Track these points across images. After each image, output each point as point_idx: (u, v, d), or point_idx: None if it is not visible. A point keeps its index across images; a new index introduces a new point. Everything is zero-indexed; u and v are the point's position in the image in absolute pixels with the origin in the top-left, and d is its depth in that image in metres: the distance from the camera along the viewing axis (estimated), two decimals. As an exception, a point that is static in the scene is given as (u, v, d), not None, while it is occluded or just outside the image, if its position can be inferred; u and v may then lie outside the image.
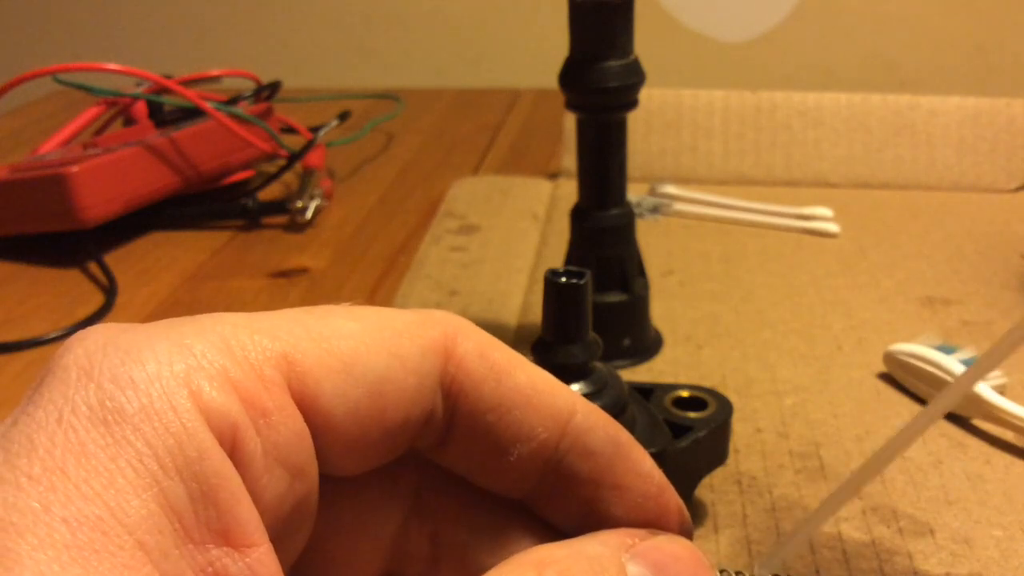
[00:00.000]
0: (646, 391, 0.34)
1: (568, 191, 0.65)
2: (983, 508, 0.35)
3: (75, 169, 0.56)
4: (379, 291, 0.55)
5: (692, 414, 0.33)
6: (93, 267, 0.58)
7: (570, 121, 0.63)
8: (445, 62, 1.11)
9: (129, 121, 0.72)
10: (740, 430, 0.39)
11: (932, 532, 0.33)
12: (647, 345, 0.46)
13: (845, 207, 0.62)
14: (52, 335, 0.50)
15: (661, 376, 0.44)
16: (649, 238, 0.59)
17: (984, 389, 0.38)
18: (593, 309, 0.30)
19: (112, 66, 0.63)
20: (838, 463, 0.37)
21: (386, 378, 0.17)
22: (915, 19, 1.02)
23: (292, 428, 0.16)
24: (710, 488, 0.36)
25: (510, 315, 0.50)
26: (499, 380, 0.18)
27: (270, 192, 0.68)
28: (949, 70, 1.03)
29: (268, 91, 0.74)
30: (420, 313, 0.18)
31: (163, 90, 0.67)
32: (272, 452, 0.16)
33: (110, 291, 0.55)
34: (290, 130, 0.74)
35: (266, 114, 0.71)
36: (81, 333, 0.16)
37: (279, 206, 0.64)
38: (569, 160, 0.69)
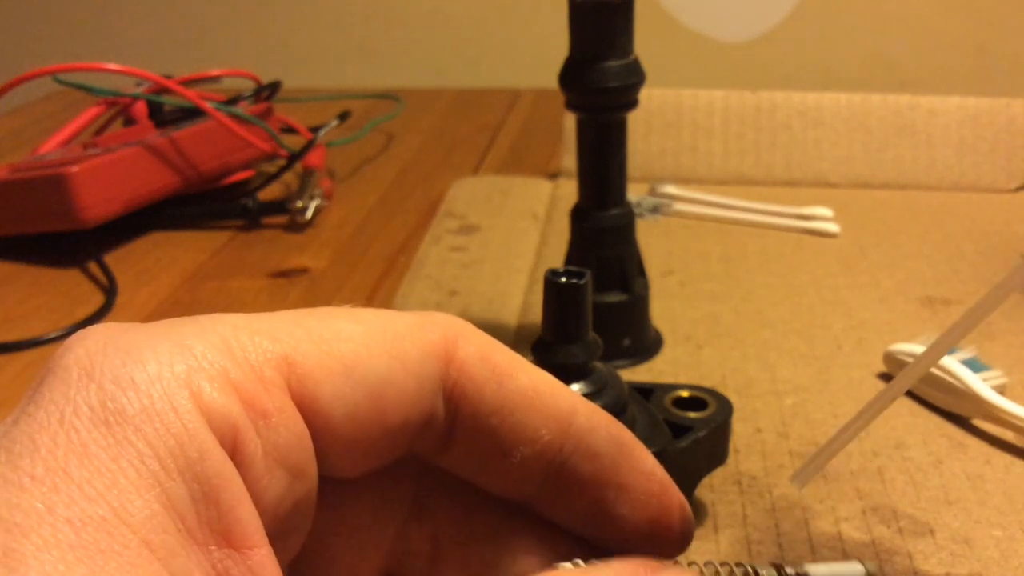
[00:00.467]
0: (646, 391, 0.34)
1: (568, 191, 0.65)
2: (983, 508, 0.35)
3: (75, 169, 0.56)
4: (379, 291, 0.55)
5: (692, 414, 0.33)
6: (93, 267, 0.58)
7: (570, 121, 0.63)
8: (445, 62, 1.11)
9: (129, 121, 0.72)
10: (740, 430, 0.39)
11: (932, 532, 0.33)
12: (647, 345, 0.46)
13: (845, 207, 0.62)
14: (52, 335, 0.50)
15: (661, 376, 0.44)
16: (649, 238, 0.59)
17: (984, 389, 0.38)
18: (593, 309, 0.30)
19: (112, 66, 0.63)
20: (838, 463, 0.37)
21: (386, 380, 0.17)
22: (915, 19, 1.02)
23: (292, 429, 0.16)
24: (710, 488, 0.36)
25: (510, 315, 0.50)
26: (501, 383, 0.18)
27: (270, 192, 0.68)
28: (949, 70, 1.03)
29: (268, 91, 0.74)
30: (421, 316, 0.18)
31: (163, 90, 0.67)
32: (272, 453, 0.16)
33: (110, 291, 0.55)
34: (290, 130, 0.74)
35: (266, 114, 0.71)
36: (81, 333, 0.16)
37: (279, 206, 0.64)
38: (569, 160, 0.69)
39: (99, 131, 0.71)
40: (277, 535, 0.16)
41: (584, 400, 0.19)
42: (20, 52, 1.16)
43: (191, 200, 0.65)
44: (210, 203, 0.65)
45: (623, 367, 0.44)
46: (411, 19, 1.11)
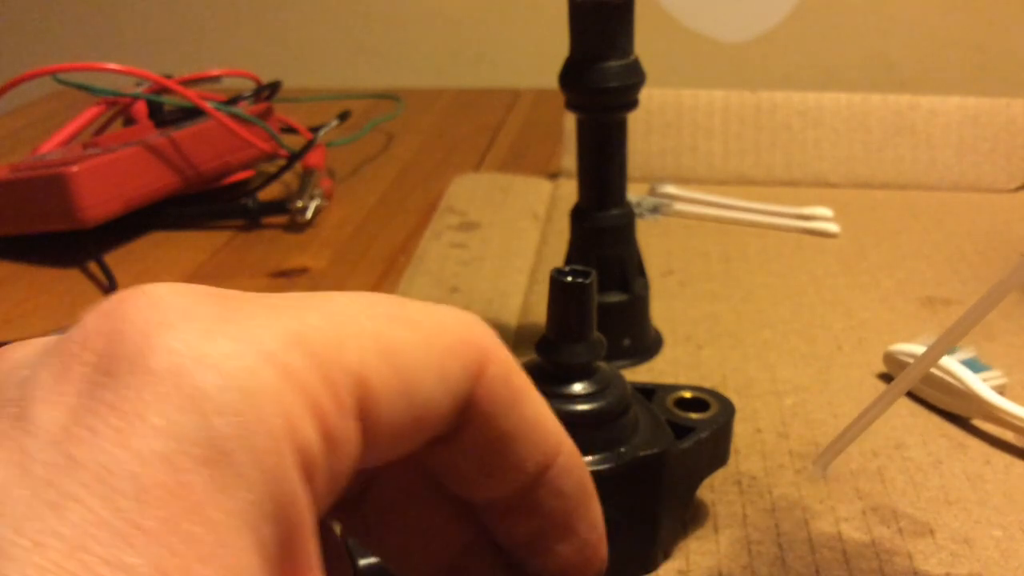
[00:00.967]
0: (648, 391, 0.34)
1: (568, 191, 0.65)
2: (983, 508, 0.35)
3: (75, 169, 0.56)
4: (379, 291, 0.55)
5: (694, 415, 0.33)
6: (93, 267, 0.58)
7: (570, 121, 0.63)
8: (445, 62, 1.11)
9: (129, 121, 0.72)
10: (740, 430, 0.39)
11: (932, 532, 0.33)
12: (647, 345, 0.46)
13: (845, 207, 0.62)
14: (52, 335, 0.50)
15: (661, 376, 0.44)
16: (649, 238, 0.59)
17: (984, 389, 0.38)
18: (593, 309, 0.30)
19: (112, 66, 0.63)
20: (838, 463, 0.37)
21: (431, 400, 0.17)
22: (915, 19, 1.02)
23: (351, 455, 0.15)
24: (710, 488, 0.36)
25: (510, 315, 0.50)
26: (512, 409, 0.18)
27: (270, 192, 0.68)
28: (949, 70, 1.03)
29: (268, 91, 0.74)
30: (464, 325, 0.18)
31: (163, 90, 0.67)
32: (330, 479, 0.15)
33: (110, 291, 0.55)
34: (290, 130, 0.74)
35: (266, 114, 0.71)
36: (147, 315, 0.14)
37: (279, 206, 0.64)
38: (569, 160, 0.69)
39: (99, 131, 0.71)
40: None
41: (568, 438, 0.19)
42: (20, 52, 1.16)
43: (191, 200, 0.65)
44: (210, 203, 0.65)
45: (623, 367, 0.44)
46: (411, 19, 1.11)
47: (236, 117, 0.65)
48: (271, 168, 0.71)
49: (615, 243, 0.44)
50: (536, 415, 0.18)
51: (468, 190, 0.68)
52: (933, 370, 0.40)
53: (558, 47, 0.43)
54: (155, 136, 0.63)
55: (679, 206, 0.64)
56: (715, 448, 0.33)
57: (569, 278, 0.28)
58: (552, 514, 0.19)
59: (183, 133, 0.64)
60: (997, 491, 0.35)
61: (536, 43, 1.06)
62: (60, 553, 0.12)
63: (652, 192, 0.66)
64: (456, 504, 0.20)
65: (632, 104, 0.42)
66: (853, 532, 0.34)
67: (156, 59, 1.02)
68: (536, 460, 0.18)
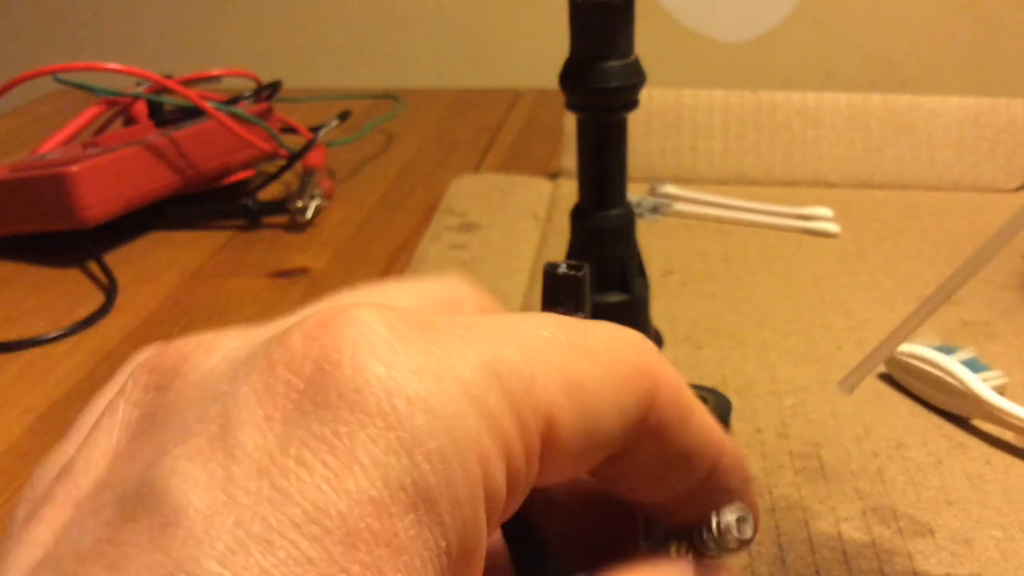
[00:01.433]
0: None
1: (568, 191, 0.65)
2: (983, 508, 0.35)
3: (75, 169, 0.56)
4: (379, 291, 0.55)
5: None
6: (93, 267, 0.58)
7: (570, 121, 0.63)
8: (445, 62, 1.11)
9: (129, 121, 0.72)
10: (740, 430, 0.39)
11: (932, 532, 0.33)
12: (647, 345, 0.46)
13: (845, 207, 0.62)
14: (52, 335, 0.50)
15: (661, 376, 0.44)
16: (649, 238, 0.59)
17: (984, 389, 0.38)
18: (593, 309, 0.30)
19: (112, 66, 0.63)
20: (838, 463, 0.37)
21: (608, 431, 0.16)
22: (915, 19, 1.02)
23: (527, 488, 0.15)
24: (710, 488, 0.36)
25: (510, 315, 0.50)
26: (681, 426, 0.18)
27: (270, 192, 0.68)
28: (949, 70, 1.03)
29: (268, 91, 0.74)
30: (637, 351, 0.17)
31: (163, 90, 0.67)
32: (505, 512, 0.15)
33: (110, 291, 0.55)
34: (290, 130, 0.74)
35: (266, 114, 0.71)
36: (351, 338, 0.13)
37: (279, 206, 0.64)
38: (569, 160, 0.69)
39: (99, 131, 0.71)
40: None
41: (728, 439, 0.19)
42: (20, 52, 1.16)
43: (191, 200, 0.65)
44: (210, 203, 0.65)
45: (623, 367, 0.44)
46: (411, 19, 1.11)
47: (236, 117, 0.65)
48: (271, 168, 0.71)
49: (615, 243, 0.44)
50: (703, 427, 0.18)
51: (468, 191, 0.68)
52: (933, 370, 0.40)
53: (558, 47, 0.43)
54: (155, 136, 0.63)
55: (679, 206, 0.64)
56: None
57: (561, 270, 0.28)
58: (714, 505, 0.19)
59: (183, 133, 0.64)
60: (997, 491, 0.35)
61: (536, 43, 1.06)
62: None
63: (652, 192, 0.66)
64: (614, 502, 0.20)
65: (632, 104, 0.42)
66: (853, 532, 0.34)
67: (156, 59, 1.02)
68: (703, 467, 0.18)
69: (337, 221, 0.65)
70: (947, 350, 0.41)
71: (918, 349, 0.41)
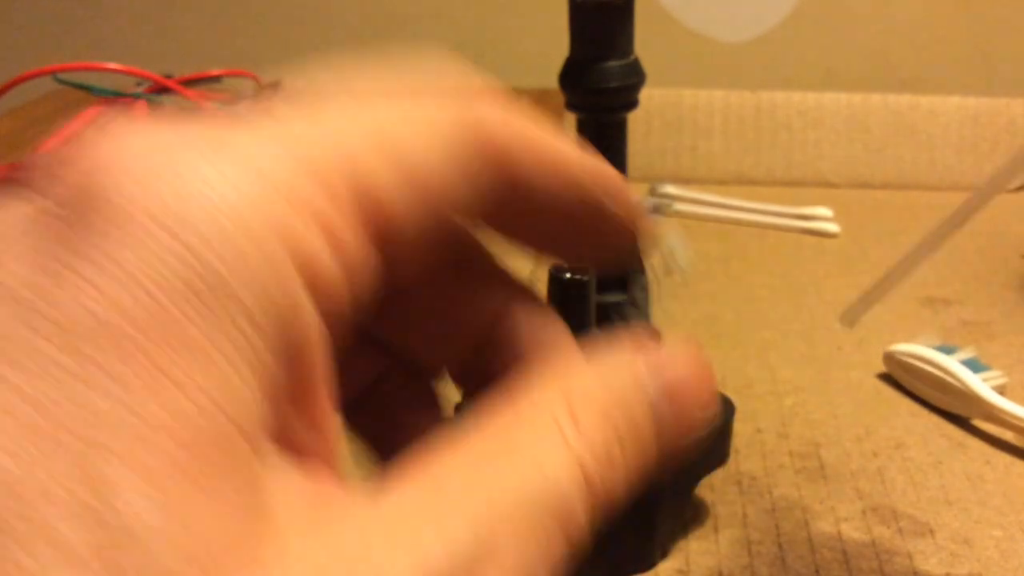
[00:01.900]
0: (647, 391, 0.34)
1: (568, 191, 0.65)
2: (983, 508, 0.35)
3: (75, 169, 0.56)
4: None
5: (692, 414, 0.33)
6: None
7: (570, 121, 0.63)
8: (445, 62, 1.11)
9: (129, 121, 0.72)
10: (740, 430, 0.39)
11: (932, 532, 0.33)
12: (647, 345, 0.46)
13: (845, 207, 0.62)
14: None
15: (661, 376, 0.44)
16: (649, 238, 0.58)
17: (984, 389, 0.38)
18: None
19: (112, 66, 0.63)
20: (838, 463, 0.37)
21: (445, 186, 0.15)
22: (915, 19, 1.02)
23: (363, 260, 0.14)
24: (710, 488, 0.36)
25: (510, 315, 0.50)
26: (531, 156, 0.17)
27: (270, 192, 0.68)
28: (949, 70, 1.03)
29: (268, 91, 0.74)
30: (445, 84, 0.16)
31: (163, 90, 0.67)
32: (343, 287, 0.14)
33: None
34: (290, 130, 0.74)
35: (266, 114, 0.71)
36: (112, 153, 0.12)
37: (279, 206, 0.64)
38: (569, 160, 0.69)
39: (99, 131, 0.71)
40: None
41: (590, 154, 0.18)
42: (20, 52, 1.16)
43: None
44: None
45: (623, 367, 0.44)
46: (411, 19, 1.11)
47: (236, 117, 0.65)
48: (271, 168, 0.71)
49: (615, 243, 0.44)
50: (556, 151, 0.17)
51: (468, 190, 0.68)
52: (933, 370, 0.40)
53: (558, 47, 0.42)
54: (155, 136, 0.63)
55: (679, 206, 0.64)
56: (714, 447, 0.33)
57: (567, 275, 0.28)
58: (598, 217, 0.19)
59: (183, 133, 0.64)
60: (997, 491, 0.35)
61: (536, 43, 1.06)
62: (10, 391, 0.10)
63: (652, 192, 0.66)
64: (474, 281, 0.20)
65: (632, 104, 0.42)
66: (853, 532, 0.34)
67: (156, 59, 1.02)
68: (573, 190, 0.18)
69: (337, 221, 0.64)
70: (947, 350, 0.41)
71: (918, 349, 0.41)
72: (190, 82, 0.71)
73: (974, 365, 0.40)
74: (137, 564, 0.10)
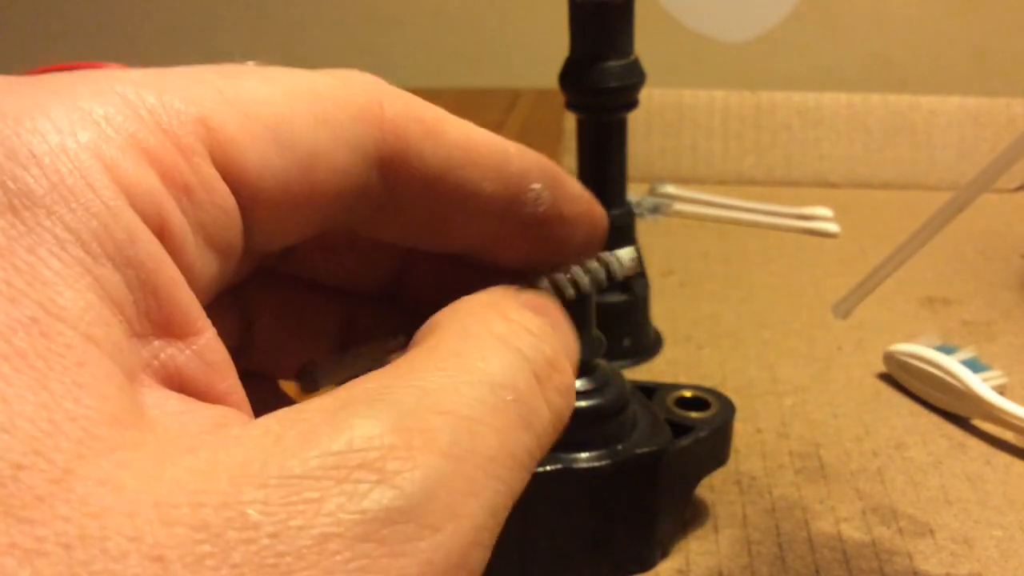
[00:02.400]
0: (649, 390, 0.34)
1: (568, 191, 0.65)
2: (983, 508, 0.35)
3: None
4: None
5: (694, 414, 0.33)
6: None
7: (570, 121, 0.63)
8: (445, 62, 1.11)
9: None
10: (740, 430, 0.39)
11: (932, 532, 0.33)
12: (647, 345, 0.46)
13: (845, 207, 0.62)
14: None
15: (661, 376, 0.44)
16: (649, 238, 0.59)
17: (984, 389, 0.38)
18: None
19: (112, 66, 0.63)
20: (838, 463, 0.37)
21: (315, 147, 0.15)
22: (915, 19, 1.02)
23: (219, 205, 0.14)
24: (710, 488, 0.36)
25: (510, 315, 0.50)
26: (435, 141, 0.17)
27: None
28: (949, 70, 1.03)
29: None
30: (336, 75, 0.16)
31: (163, 90, 0.67)
32: (200, 233, 0.14)
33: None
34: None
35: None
36: None
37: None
38: (569, 160, 0.69)
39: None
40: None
41: (514, 144, 0.18)
42: (20, 52, 1.16)
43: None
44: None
45: (623, 367, 0.44)
46: (411, 19, 1.11)
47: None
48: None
49: (615, 243, 0.44)
50: (466, 136, 0.17)
51: (468, 190, 0.68)
52: (933, 370, 0.40)
53: (558, 47, 0.42)
54: (155, 136, 0.63)
55: (679, 206, 0.64)
56: (715, 447, 0.33)
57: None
58: (538, 215, 0.19)
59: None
60: (997, 491, 0.35)
61: (536, 43, 1.06)
62: None
63: (652, 192, 0.66)
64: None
65: (632, 104, 0.42)
66: (853, 532, 0.34)
67: (156, 59, 1.02)
68: (488, 177, 0.17)
69: (337, 221, 0.65)
70: (947, 350, 0.41)
71: (918, 349, 0.41)
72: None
73: (974, 365, 0.40)
74: None
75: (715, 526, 0.34)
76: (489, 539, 0.13)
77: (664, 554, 0.33)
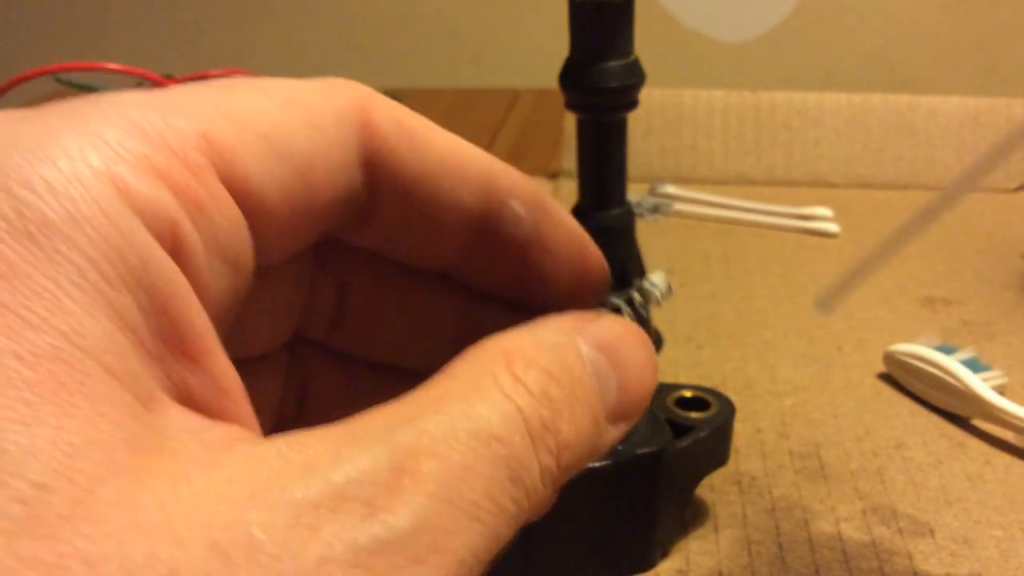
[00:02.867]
0: (648, 391, 0.34)
1: (568, 191, 0.65)
2: (983, 508, 0.35)
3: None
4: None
5: (694, 414, 0.33)
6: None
7: (570, 121, 0.63)
8: (445, 62, 1.11)
9: (129, 121, 0.72)
10: (740, 430, 0.39)
11: (932, 532, 0.33)
12: (647, 345, 0.46)
13: (845, 207, 0.62)
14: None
15: (661, 376, 0.44)
16: (649, 238, 0.58)
17: (984, 389, 0.38)
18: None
19: (112, 66, 0.63)
20: (838, 463, 0.37)
21: (311, 154, 0.16)
22: (915, 19, 1.02)
23: (229, 218, 0.15)
24: (710, 488, 0.36)
25: (510, 315, 0.50)
26: (418, 148, 0.17)
27: (270, 192, 0.68)
28: (949, 70, 1.03)
29: (268, 91, 0.74)
30: (324, 83, 0.17)
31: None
32: (212, 247, 0.14)
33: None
34: (290, 130, 0.74)
35: (266, 114, 0.71)
36: None
37: (279, 206, 0.64)
38: (569, 160, 0.69)
39: (99, 131, 0.71)
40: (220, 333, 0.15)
41: (500, 161, 0.18)
42: (20, 52, 1.16)
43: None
44: (210, 203, 0.65)
45: (623, 367, 0.44)
46: (411, 19, 1.11)
47: (236, 117, 0.65)
48: (271, 168, 0.71)
49: (615, 243, 0.44)
50: (449, 147, 0.18)
51: (468, 190, 0.68)
52: (933, 370, 0.40)
53: (558, 47, 0.42)
54: (155, 136, 0.63)
55: (679, 206, 0.64)
56: (715, 447, 0.33)
57: None
58: (520, 240, 0.19)
59: (183, 133, 0.64)
60: (997, 491, 0.35)
61: (536, 43, 1.06)
62: None
63: (652, 192, 0.66)
64: (435, 284, 0.20)
65: (632, 104, 0.42)
66: (853, 532, 0.34)
67: (156, 59, 1.02)
68: (470, 191, 0.18)
69: (337, 221, 0.64)
70: (947, 350, 0.41)
71: (918, 349, 0.41)
72: (190, 82, 0.71)
73: (974, 365, 0.40)
74: (2, 471, 0.11)
75: (715, 526, 0.34)
76: (471, 575, 0.14)
77: (664, 554, 0.33)
